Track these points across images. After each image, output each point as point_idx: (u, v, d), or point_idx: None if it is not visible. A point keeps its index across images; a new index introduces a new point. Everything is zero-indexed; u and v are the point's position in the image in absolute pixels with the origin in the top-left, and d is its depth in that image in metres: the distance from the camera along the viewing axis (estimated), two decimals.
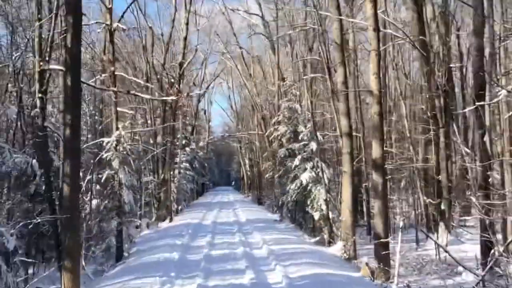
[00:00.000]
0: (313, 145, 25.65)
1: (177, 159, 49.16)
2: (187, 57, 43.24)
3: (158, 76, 41.75)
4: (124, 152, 21.74)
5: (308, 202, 25.51)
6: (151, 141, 42.61)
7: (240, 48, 53.73)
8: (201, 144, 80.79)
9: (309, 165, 25.63)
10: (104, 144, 21.99)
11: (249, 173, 74.25)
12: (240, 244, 22.33)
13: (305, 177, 25.32)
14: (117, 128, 21.85)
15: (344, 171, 21.85)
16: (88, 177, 21.99)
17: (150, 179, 38.80)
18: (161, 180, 41.71)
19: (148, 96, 30.48)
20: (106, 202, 21.17)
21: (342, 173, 23.13)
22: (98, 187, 23.11)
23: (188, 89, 61.32)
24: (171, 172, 45.88)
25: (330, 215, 24.84)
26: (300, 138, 27.62)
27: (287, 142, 31.00)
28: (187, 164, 52.14)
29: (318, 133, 25.89)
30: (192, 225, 32.14)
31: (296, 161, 26.05)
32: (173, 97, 23.02)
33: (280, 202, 33.31)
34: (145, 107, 42.74)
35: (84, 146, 22.31)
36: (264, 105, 54.21)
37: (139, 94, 25.11)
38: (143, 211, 40.68)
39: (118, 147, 21.47)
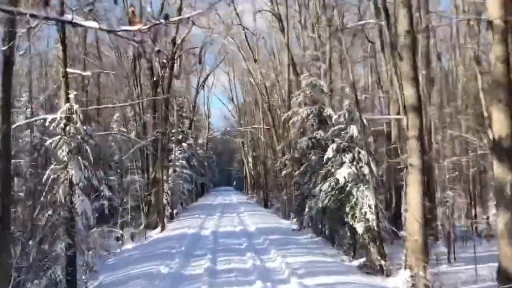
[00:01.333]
0: (353, 130, 17.99)
1: (172, 156, 41.52)
2: (182, 33, 35.53)
3: (148, 57, 33.99)
4: (79, 137, 14.05)
5: (347, 209, 17.84)
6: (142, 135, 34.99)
7: (244, 29, 45.99)
8: (200, 141, 73.18)
9: (347, 157, 17.98)
10: (47, 123, 14.30)
11: (252, 172, 66.55)
12: (255, 272, 14.65)
13: (342, 174, 17.66)
14: (67, 100, 14.16)
15: (411, 164, 14.14)
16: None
17: (135, 179, 30.95)
18: (152, 180, 34.00)
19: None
20: (50, 213, 13.34)
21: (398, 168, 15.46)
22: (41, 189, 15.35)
23: (185, 77, 53.75)
24: (165, 171, 38.19)
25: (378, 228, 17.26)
26: (333, 120, 19.87)
27: (310, 129, 23.34)
28: (184, 162, 44.45)
29: (360, 115, 18.27)
30: (187, 236, 24.51)
31: (329, 152, 18.32)
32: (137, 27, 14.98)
33: (296, 206, 25.65)
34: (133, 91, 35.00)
35: (15, 126, 14.35)
36: (271, 93, 46.66)
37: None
38: (129, 217, 33.01)
39: (67, 129, 13.81)
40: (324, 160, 18.73)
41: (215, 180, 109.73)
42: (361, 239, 18.06)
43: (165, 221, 35.88)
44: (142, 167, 35.19)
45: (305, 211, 24.62)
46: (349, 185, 18.10)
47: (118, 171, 37.10)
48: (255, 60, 46.43)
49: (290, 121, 24.19)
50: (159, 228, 32.23)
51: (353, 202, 18.00)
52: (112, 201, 35.33)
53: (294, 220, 30.70)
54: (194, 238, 23.84)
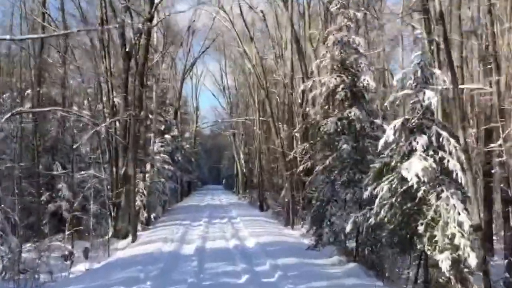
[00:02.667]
0: (430, 97, 10.56)
1: (151, 148, 33.91)
2: None
3: (119, 20, 26.25)
4: None
5: (419, 228, 10.38)
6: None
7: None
8: (187, 135, 65.51)
9: (420, 142, 10.57)
10: None
11: (245, 169, 59.03)
12: None
13: (412, 169, 10.20)
14: None
15: None
16: None
17: (92, 174, 23.13)
18: (122, 177, 26.37)
19: None
20: None
21: None
22: None
23: (171, 62, 46.10)
24: (141, 167, 30.61)
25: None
26: (395, 81, 12.17)
27: (340, 106, 15.82)
28: (166, 156, 36.79)
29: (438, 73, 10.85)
30: (161, 258, 16.89)
31: (388, 134, 10.71)
32: None
33: (313, 214, 18.13)
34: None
35: None
36: (269, 77, 39.16)
37: None
38: (92, 225, 25.42)
39: None
40: (380, 146, 11.17)
41: (203, 178, 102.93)
42: (442, 277, 10.59)
43: (140, 228, 28.31)
44: (111, 160, 27.48)
45: (325, 222, 17.22)
46: (423, 188, 10.61)
47: (82, 165, 29.46)
48: (252, 39, 38.89)
49: (310, 95, 16.57)
50: (129, 239, 24.61)
51: (429, 217, 10.53)
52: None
53: (304, 230, 23.24)
54: (170, 261, 16.22)
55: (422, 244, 10.53)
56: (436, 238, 10.31)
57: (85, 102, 30.71)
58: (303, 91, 21.62)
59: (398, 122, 10.97)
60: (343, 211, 15.82)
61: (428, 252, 10.43)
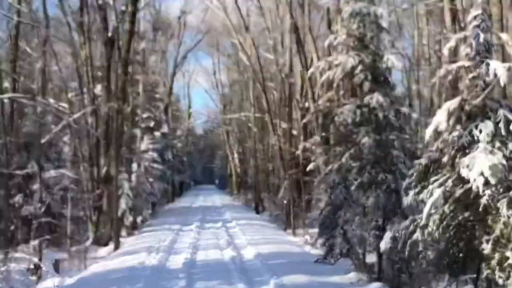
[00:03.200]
0: (497, 70, 7.76)
1: (138, 146, 30.96)
2: None
3: (100, 1, 23.21)
4: None
5: (486, 246, 7.58)
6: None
7: None
8: (179, 133, 62.47)
9: (485, 130, 7.78)
10: None
11: (239, 169, 56.13)
12: None
13: (479, 167, 7.41)
14: None
15: None
16: None
17: (63, 173, 20.10)
18: (104, 177, 23.42)
19: None
20: None
21: None
22: None
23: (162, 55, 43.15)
24: (126, 167, 27.69)
25: None
26: (446, 49, 9.25)
27: (358, 91, 12.92)
28: (155, 154, 33.75)
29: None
30: (143, 273, 13.95)
31: (439, 120, 7.89)
32: None
33: (324, 220, 15.23)
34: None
35: None
36: (266, 73, 36.34)
37: None
38: (68, 230, 22.63)
39: None
40: (428, 136, 8.25)
41: (196, 178, 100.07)
42: None
43: (125, 233, 25.38)
44: (92, 159, 24.45)
45: (338, 230, 14.36)
46: (488, 192, 7.72)
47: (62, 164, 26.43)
48: (247, 28, 35.97)
49: (322, 79, 13.61)
50: (111, 246, 21.70)
51: (497, 232, 7.66)
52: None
53: (308, 237, 20.34)
54: (152, 279, 13.25)
55: (490, 270, 7.63)
56: (510, 261, 7.43)
57: (68, 95, 27.63)
58: (309, 79, 18.69)
59: (453, 103, 8.06)
60: (362, 217, 12.93)
61: (500, 281, 7.53)
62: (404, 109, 12.67)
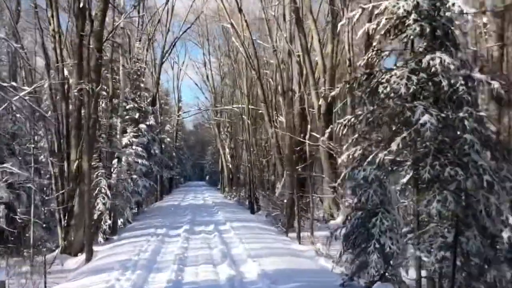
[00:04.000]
0: None
1: (118, 138, 26.84)
2: None
3: None
4: None
5: None
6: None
7: None
8: (168, 127, 58.46)
9: None
10: None
11: (230, 165, 52.10)
12: None
13: None
14: None
15: None
16: None
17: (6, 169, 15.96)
18: (74, 174, 19.31)
19: None
20: None
21: None
22: None
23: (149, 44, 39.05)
24: (105, 162, 23.68)
25: None
26: None
27: (413, 50, 8.99)
28: (139, 149, 29.68)
29: None
30: None
31: None
32: None
33: (352, 232, 11.25)
34: None
35: None
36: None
37: None
38: (32, 236, 18.57)
39: None
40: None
41: (186, 174, 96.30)
42: None
43: (101, 239, 21.37)
44: (62, 153, 20.31)
45: (372, 244, 10.46)
46: None
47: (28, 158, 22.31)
48: (240, 10, 31.92)
49: (361, 31, 9.53)
50: (82, 257, 17.67)
51: None
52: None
53: (320, 245, 16.36)
54: None
55: None
56: None
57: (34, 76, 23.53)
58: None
59: None
60: (416, 230, 9.00)
61: None
62: (477, 75, 8.70)
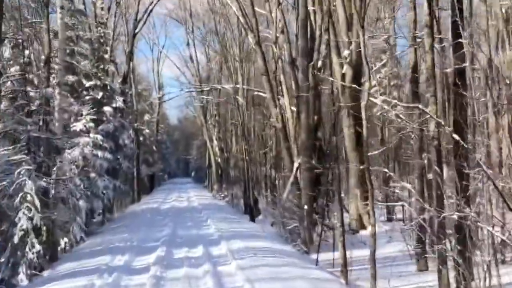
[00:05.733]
0: None
1: (76, 125, 18.41)
2: None
3: None
4: None
5: None
6: None
7: None
8: (147, 118, 49.98)
9: None
10: None
11: (219, 159, 43.76)
12: None
13: None
14: None
15: None
16: None
17: None
18: None
19: None
20: None
21: None
22: None
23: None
24: (35, 156, 15.14)
25: None
26: None
27: None
28: (98, 137, 21.22)
29: None
30: None
31: None
32: None
33: None
34: None
35: None
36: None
37: None
38: None
39: None
40: None
41: (170, 171, 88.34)
42: None
43: (22, 277, 12.87)
44: None
45: None
46: None
47: None
48: None
49: None
50: None
51: None
52: None
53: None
54: None
55: None
56: None
57: None
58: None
59: None
60: None
61: None
62: None
